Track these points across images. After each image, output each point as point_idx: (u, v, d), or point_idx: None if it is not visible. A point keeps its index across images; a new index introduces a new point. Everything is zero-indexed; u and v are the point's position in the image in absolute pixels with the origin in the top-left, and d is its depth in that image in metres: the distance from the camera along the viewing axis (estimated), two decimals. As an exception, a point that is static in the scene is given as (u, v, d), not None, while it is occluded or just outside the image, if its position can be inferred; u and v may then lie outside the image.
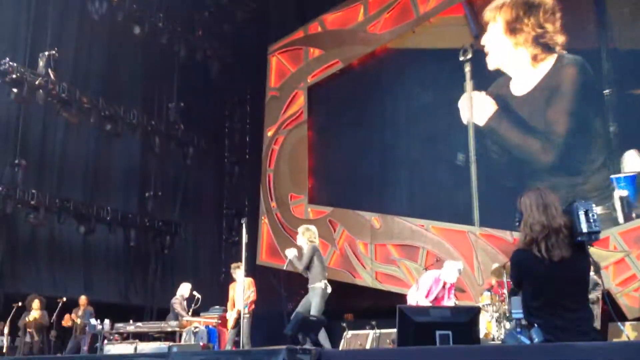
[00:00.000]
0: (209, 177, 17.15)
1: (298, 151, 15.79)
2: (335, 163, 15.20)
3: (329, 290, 8.22)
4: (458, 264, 9.05)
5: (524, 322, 4.40)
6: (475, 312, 5.36)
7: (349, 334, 10.56)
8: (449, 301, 8.74)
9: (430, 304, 8.39)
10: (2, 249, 12.55)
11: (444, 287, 8.81)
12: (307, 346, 4.66)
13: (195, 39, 16.05)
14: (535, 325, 4.14)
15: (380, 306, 12.34)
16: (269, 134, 16.45)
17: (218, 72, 16.54)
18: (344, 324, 11.19)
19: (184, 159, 15.99)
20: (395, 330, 9.45)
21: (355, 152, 14.85)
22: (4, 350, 10.79)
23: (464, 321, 4.97)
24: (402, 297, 12.96)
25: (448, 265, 8.99)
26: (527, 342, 4.17)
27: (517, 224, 4.29)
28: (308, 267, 8.17)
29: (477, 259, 12.26)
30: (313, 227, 8.56)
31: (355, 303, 13.76)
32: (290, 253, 8.32)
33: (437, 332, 4.61)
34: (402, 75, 14.59)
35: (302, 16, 16.34)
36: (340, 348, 10.02)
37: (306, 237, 8.35)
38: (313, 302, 8.22)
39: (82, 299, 11.83)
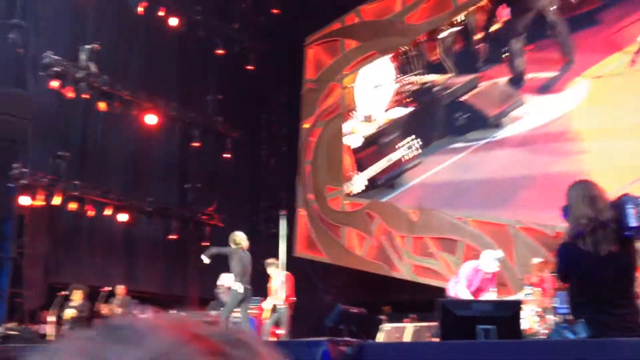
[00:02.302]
0: (246, 169, 17.26)
1: (335, 143, 15.78)
2: (375, 154, 15.12)
3: (242, 290, 8.73)
4: (497, 253, 8.84)
5: (569, 317, 4.33)
6: (517, 306, 5.30)
7: (387, 326, 10.54)
8: (490, 293, 8.60)
9: (471, 296, 8.29)
10: (47, 240, 12.85)
11: (484, 277, 8.65)
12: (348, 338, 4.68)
13: (232, 32, 16.14)
14: (581, 320, 4.07)
15: (418, 299, 12.29)
16: (306, 126, 16.48)
17: (255, 64, 16.62)
18: (382, 316, 11.17)
19: (222, 151, 16.13)
20: (434, 323, 9.43)
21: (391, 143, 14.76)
22: (50, 339, 11.05)
23: (507, 315, 4.93)
24: (440, 290, 12.88)
25: (486, 254, 8.79)
26: (573, 337, 4.10)
27: (564, 216, 4.22)
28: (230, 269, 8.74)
29: (517, 253, 12.10)
30: (239, 233, 9.36)
31: (392, 295, 13.74)
32: (205, 260, 9.30)
33: (479, 327, 4.58)
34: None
35: (339, 7, 16.29)
36: (378, 340, 10.01)
37: (232, 241, 9.13)
38: (228, 302, 8.87)
39: (120, 289, 11.94)
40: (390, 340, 9.95)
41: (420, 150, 13.86)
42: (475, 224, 12.92)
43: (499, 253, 8.90)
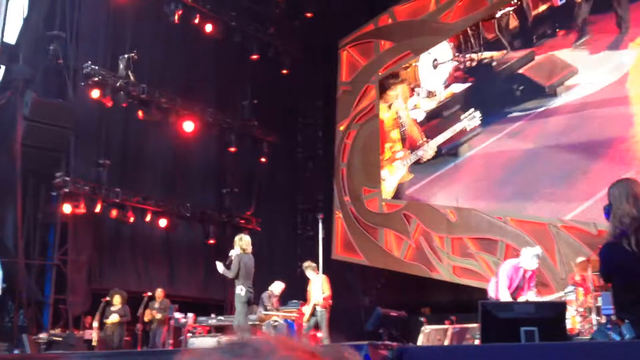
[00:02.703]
0: (283, 173, 17.34)
1: (370, 145, 15.75)
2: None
3: (243, 294, 8.74)
4: (536, 249, 8.59)
5: (614, 318, 4.24)
6: (561, 307, 5.21)
7: (427, 328, 10.45)
8: (530, 292, 8.40)
9: (510, 296, 8.13)
10: (90, 246, 13.11)
11: (524, 276, 8.40)
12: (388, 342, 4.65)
13: (266, 37, 16.25)
14: (627, 321, 3.98)
15: (459, 300, 12.18)
16: (341, 128, 16.47)
17: (290, 68, 16.69)
18: (422, 318, 11.08)
19: (259, 155, 16.24)
20: (474, 324, 9.31)
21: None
22: (94, 343, 11.27)
23: (550, 317, 4.84)
24: (481, 292, 12.73)
25: (526, 252, 8.55)
26: (618, 338, 4.01)
27: (607, 215, 4.13)
28: (237, 274, 8.75)
29: (559, 252, 11.89)
30: (246, 236, 9.26)
31: (432, 297, 13.64)
32: (220, 267, 9.06)
33: (522, 329, 4.51)
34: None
35: (372, 9, 16.26)
36: (418, 342, 9.94)
37: (238, 245, 9.02)
38: (236, 307, 8.87)
39: (159, 292, 12.05)
40: (431, 343, 9.87)
41: (480, 121, 13.82)
42: (515, 223, 12.73)
43: (538, 249, 8.64)
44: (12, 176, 12.07)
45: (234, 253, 8.99)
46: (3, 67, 12.27)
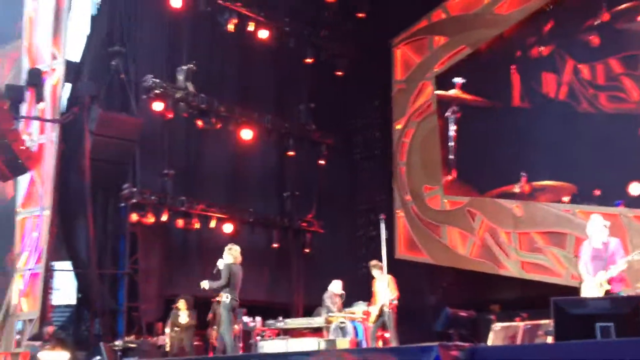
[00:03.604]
0: (342, 174, 17.36)
1: (429, 142, 15.62)
2: (470, 150, 14.86)
3: (228, 301, 9.08)
4: (596, 219, 7.99)
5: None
6: (637, 301, 5.04)
7: (497, 326, 10.27)
8: (618, 265, 7.72)
9: (589, 276, 7.59)
10: (159, 254, 13.45)
11: (597, 254, 7.85)
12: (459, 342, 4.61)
13: (320, 40, 16.31)
14: None
15: (528, 297, 11.93)
16: (398, 127, 16.40)
17: (344, 69, 16.70)
18: (492, 316, 10.90)
19: (317, 158, 16.31)
20: (546, 321, 9.10)
21: (490, 137, 14.44)
22: (167, 349, 11.54)
23: (626, 312, 4.69)
24: (552, 287, 12.47)
25: (591, 225, 7.96)
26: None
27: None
28: (228, 284, 9.05)
29: (631, 243, 11.50)
30: (236, 247, 9.50)
31: (500, 294, 13.40)
32: (206, 284, 9.44)
33: (598, 325, 4.40)
34: (534, 54, 14.01)
35: (425, 5, 16.11)
36: (488, 341, 9.78)
37: (229, 255, 9.33)
38: (222, 314, 9.25)
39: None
40: (502, 341, 9.69)
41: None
42: (584, 215, 12.38)
43: (599, 218, 8.07)
44: (82, 190, 12.51)
45: (222, 262, 9.26)
46: (69, 84, 12.72)
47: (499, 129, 14.40)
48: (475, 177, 14.75)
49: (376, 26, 16.37)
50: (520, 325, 10.05)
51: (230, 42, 15.06)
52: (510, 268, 13.48)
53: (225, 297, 9.11)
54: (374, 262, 10.45)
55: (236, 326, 11.21)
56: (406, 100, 16.22)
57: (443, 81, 15.60)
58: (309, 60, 16.08)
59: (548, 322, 8.77)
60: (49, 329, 11.03)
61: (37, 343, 10.73)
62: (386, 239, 9.45)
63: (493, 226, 13.94)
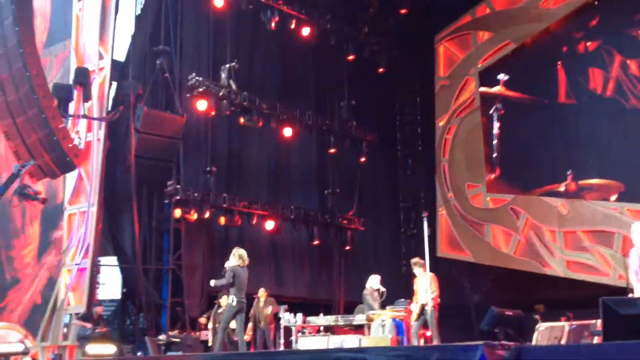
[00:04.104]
0: (383, 172, 17.31)
1: (472, 139, 15.44)
2: (514, 148, 14.63)
3: (235, 304, 9.28)
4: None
5: None
6: (690, 302, 4.89)
7: (542, 326, 10.08)
8: None
9: None
10: (202, 250, 13.62)
11: None
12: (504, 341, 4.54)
13: (361, 37, 16.26)
14: None
15: (574, 296, 11.68)
16: (441, 123, 16.25)
17: (386, 66, 16.62)
18: (536, 316, 10.71)
19: (359, 155, 16.28)
20: (592, 321, 8.89)
21: (535, 134, 14.20)
22: (209, 344, 11.69)
23: (679, 313, 4.56)
24: (598, 287, 12.20)
25: (635, 233, 7.73)
26: None
27: None
28: (232, 284, 9.29)
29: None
30: (242, 250, 9.68)
31: (545, 293, 13.16)
32: (212, 282, 9.84)
33: (648, 326, 4.28)
34: (580, 49, 13.71)
35: (468, 0, 15.92)
36: (533, 341, 9.61)
37: (235, 257, 9.53)
38: (225, 313, 9.64)
39: (261, 292, 12.25)
40: (547, 341, 9.52)
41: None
42: (632, 214, 12.08)
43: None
44: (127, 186, 12.74)
45: (229, 264, 9.50)
46: (115, 83, 12.96)
47: (544, 126, 14.15)
48: (520, 175, 14.53)
49: (418, 22, 16.25)
50: (565, 325, 9.84)
51: (272, 40, 15.15)
52: (555, 267, 13.24)
53: (231, 300, 9.38)
54: (415, 260, 10.36)
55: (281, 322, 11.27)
56: (449, 96, 16.07)
57: (487, 77, 15.39)
58: (350, 57, 16.04)
59: (594, 322, 8.59)
60: (98, 309, 11.32)
61: (88, 324, 11.04)
62: (429, 236, 9.35)
63: (538, 224, 13.71)
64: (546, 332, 9.86)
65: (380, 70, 16.59)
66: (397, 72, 16.83)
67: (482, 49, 15.56)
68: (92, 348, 10.05)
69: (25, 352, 10.36)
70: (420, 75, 16.93)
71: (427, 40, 16.57)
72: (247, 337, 11.52)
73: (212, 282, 9.83)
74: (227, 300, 9.63)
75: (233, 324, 11.43)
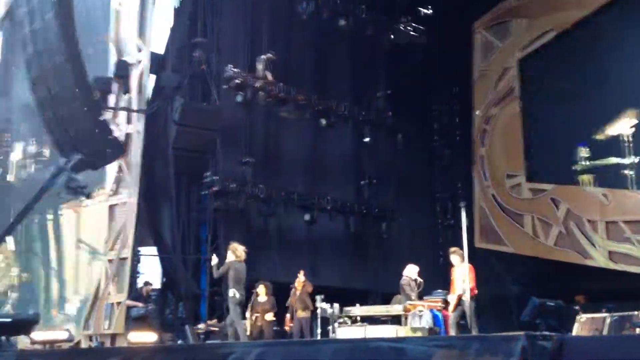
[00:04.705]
0: (420, 162, 17.18)
1: (511, 128, 15.23)
2: (554, 137, 14.38)
3: (238, 296, 9.99)
4: None
5: None
6: None
7: (582, 317, 9.92)
8: None
9: None
10: (239, 240, 13.70)
11: None
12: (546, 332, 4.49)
13: (398, 26, 16.13)
14: None
15: (615, 287, 11.47)
16: (479, 113, 16.05)
17: (423, 56, 16.49)
18: (577, 307, 10.54)
19: (395, 145, 16.19)
20: (635, 312, 8.72)
21: (576, 123, 13.93)
22: (247, 334, 11.77)
23: None
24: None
25: None
26: None
27: None
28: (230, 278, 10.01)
29: None
30: (235, 245, 10.33)
31: (585, 284, 12.93)
32: (214, 260, 10.31)
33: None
34: (625, 36, 13.39)
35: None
36: (573, 332, 9.47)
37: (233, 254, 10.17)
38: (230, 308, 10.14)
39: (299, 281, 12.23)
40: (587, 332, 9.37)
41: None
42: (678, 204, 11.80)
43: None
44: (166, 178, 12.93)
45: (228, 259, 10.15)
46: (153, 76, 13.12)
47: (585, 114, 13.86)
48: (560, 164, 14.27)
49: (456, 10, 16.03)
50: (606, 316, 9.67)
51: (308, 31, 15.13)
52: (597, 258, 13.01)
53: (232, 293, 9.95)
54: (453, 249, 10.27)
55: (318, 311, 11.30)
56: (487, 85, 15.86)
57: (526, 65, 15.13)
58: (386, 47, 15.94)
59: (636, 314, 8.44)
60: (148, 288, 11.57)
61: (140, 304, 11.33)
62: (467, 227, 9.26)
63: (578, 215, 13.48)
64: (587, 324, 9.70)
65: (417, 59, 16.45)
66: (434, 61, 16.67)
67: (521, 37, 15.30)
68: (134, 336, 10.25)
69: (69, 340, 10.64)
70: (457, 64, 16.72)
71: (465, 29, 16.36)
72: (287, 328, 11.63)
73: (214, 261, 10.30)
74: (229, 294, 10.15)
75: (270, 316, 11.66)
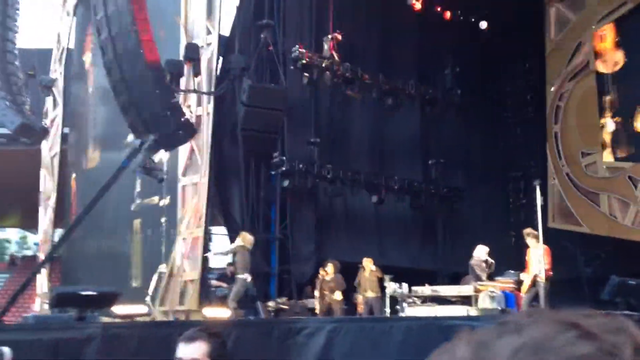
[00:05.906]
0: (491, 140, 16.81)
1: (587, 104, 14.66)
2: (632, 112, 13.78)
3: (249, 280, 10.91)
4: None
5: None
6: None
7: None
8: None
9: None
10: (308, 220, 13.85)
11: None
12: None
13: (466, 1, 15.74)
14: None
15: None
16: (552, 89, 15.52)
17: (492, 31, 16.04)
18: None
19: (464, 124, 15.89)
20: None
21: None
22: (316, 312, 11.92)
23: None
24: None
25: None
26: None
27: None
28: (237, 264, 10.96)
29: None
30: (244, 233, 11.31)
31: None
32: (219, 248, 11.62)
33: None
34: None
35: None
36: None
37: (240, 238, 11.15)
38: (237, 288, 10.88)
39: (365, 261, 12.18)
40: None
41: None
42: None
43: None
44: (236, 158, 13.13)
45: (236, 244, 11.11)
46: (221, 57, 13.29)
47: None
48: (638, 141, 13.67)
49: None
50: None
51: (374, 9, 14.97)
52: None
53: (245, 276, 10.76)
54: (528, 230, 10.06)
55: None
56: (561, 60, 15.29)
57: (602, 39, 14.50)
58: (455, 23, 15.59)
59: None
60: (232, 268, 11.90)
61: (224, 284, 11.75)
62: (542, 206, 9.02)
63: (659, 194, 12.90)
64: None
65: (487, 35, 16.03)
66: (504, 36, 16.19)
67: (596, 10, 14.65)
68: (209, 311, 10.55)
69: (148, 314, 11.05)
70: (529, 39, 16.19)
71: (537, 1, 15.79)
72: (359, 309, 11.69)
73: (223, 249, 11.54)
74: (246, 278, 10.88)
75: (339, 295, 11.73)
